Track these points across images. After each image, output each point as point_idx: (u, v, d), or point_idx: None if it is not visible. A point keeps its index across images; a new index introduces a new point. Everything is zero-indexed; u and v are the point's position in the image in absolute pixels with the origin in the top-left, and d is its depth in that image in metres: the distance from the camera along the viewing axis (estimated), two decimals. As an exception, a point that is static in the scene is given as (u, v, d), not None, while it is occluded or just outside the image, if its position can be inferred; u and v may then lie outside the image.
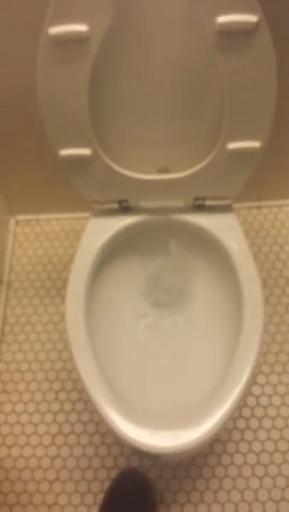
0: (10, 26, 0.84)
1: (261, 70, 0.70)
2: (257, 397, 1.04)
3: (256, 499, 0.95)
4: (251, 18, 0.64)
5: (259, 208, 1.30)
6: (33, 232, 1.30)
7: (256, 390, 1.05)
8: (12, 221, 1.31)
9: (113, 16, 0.65)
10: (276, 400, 1.04)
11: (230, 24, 0.65)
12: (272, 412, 1.02)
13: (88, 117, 0.76)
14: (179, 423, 0.69)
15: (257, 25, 0.65)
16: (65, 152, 0.81)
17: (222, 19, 0.64)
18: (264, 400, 1.04)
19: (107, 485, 0.98)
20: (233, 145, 0.79)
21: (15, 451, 1.03)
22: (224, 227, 0.88)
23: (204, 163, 0.82)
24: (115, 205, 0.90)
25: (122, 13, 0.65)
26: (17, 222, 1.32)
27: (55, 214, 1.31)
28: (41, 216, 1.32)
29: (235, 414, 1.02)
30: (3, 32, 0.84)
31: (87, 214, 1.29)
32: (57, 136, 0.80)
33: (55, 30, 0.67)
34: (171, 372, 0.87)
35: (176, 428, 0.68)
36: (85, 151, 0.80)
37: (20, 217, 1.32)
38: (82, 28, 0.66)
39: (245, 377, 0.72)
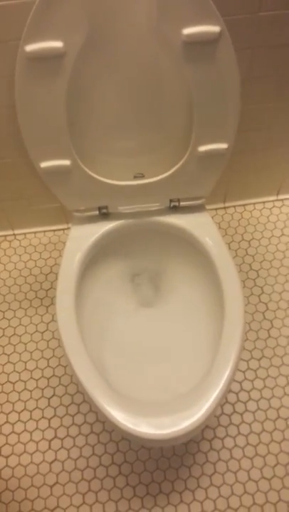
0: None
1: (225, 76, 0.77)
2: (240, 383, 1.10)
3: (249, 479, 1.00)
4: (214, 28, 0.71)
5: (225, 208, 1.37)
6: (11, 247, 1.32)
7: (239, 376, 1.11)
8: (-12, 238, 1.33)
9: (87, 31, 0.70)
10: (258, 384, 1.10)
11: (195, 35, 0.71)
12: (256, 395, 1.08)
13: (66, 129, 0.80)
14: (177, 408, 0.73)
15: (220, 34, 0.71)
16: (45, 164, 0.85)
17: (187, 31, 0.70)
18: (247, 385, 1.10)
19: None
20: (203, 148, 0.85)
21: (12, 461, 1.04)
22: (199, 225, 0.94)
23: (177, 166, 0.88)
24: (96, 212, 0.94)
25: (95, 29, 0.70)
26: (-6, 239, 1.34)
27: (32, 228, 1.34)
28: (18, 231, 1.34)
29: (223, 400, 1.07)
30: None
31: (64, 226, 1.34)
32: (37, 149, 0.84)
33: (31, 47, 0.71)
34: (162, 363, 0.91)
35: (176, 413, 0.72)
36: (65, 162, 0.85)
37: (-4, 234, 1.34)
38: (57, 44, 0.71)
39: (233, 358, 0.77)
